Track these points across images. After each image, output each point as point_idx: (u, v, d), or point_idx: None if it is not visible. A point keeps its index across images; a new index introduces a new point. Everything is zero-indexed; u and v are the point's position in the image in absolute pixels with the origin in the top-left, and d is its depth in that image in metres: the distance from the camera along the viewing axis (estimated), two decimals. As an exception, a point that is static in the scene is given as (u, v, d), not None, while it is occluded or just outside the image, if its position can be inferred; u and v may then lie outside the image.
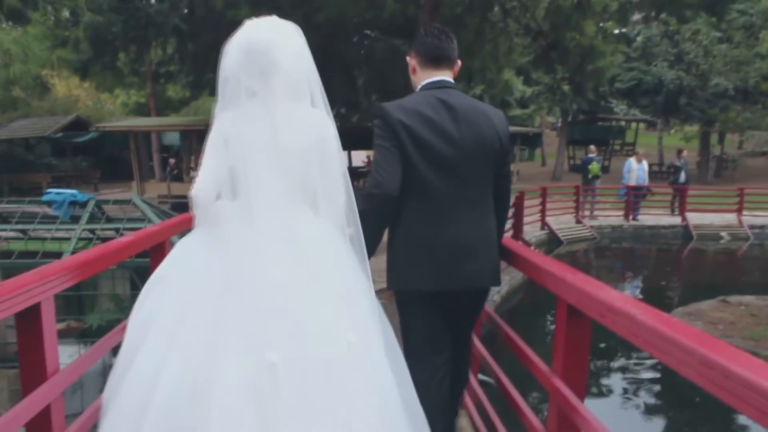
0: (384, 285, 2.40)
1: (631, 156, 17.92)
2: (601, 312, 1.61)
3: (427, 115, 2.27)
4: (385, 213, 2.29)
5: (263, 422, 1.71)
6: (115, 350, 3.56)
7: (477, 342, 3.16)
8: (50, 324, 1.97)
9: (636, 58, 27.92)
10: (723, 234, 15.53)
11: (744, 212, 15.86)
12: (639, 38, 28.35)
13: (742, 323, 7.82)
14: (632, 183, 15.70)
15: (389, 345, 2.04)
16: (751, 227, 15.49)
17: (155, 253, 3.17)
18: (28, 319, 1.91)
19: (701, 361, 1.16)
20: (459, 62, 2.48)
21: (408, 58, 2.50)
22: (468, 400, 3.23)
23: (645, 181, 15.94)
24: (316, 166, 2.07)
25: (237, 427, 1.70)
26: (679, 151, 17.28)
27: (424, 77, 2.42)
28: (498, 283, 2.46)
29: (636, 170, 15.78)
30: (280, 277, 1.92)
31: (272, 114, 2.05)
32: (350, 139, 11.95)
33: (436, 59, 2.39)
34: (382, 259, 2.43)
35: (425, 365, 2.31)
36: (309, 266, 1.96)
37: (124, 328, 2.23)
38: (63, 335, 2.19)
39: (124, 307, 5.60)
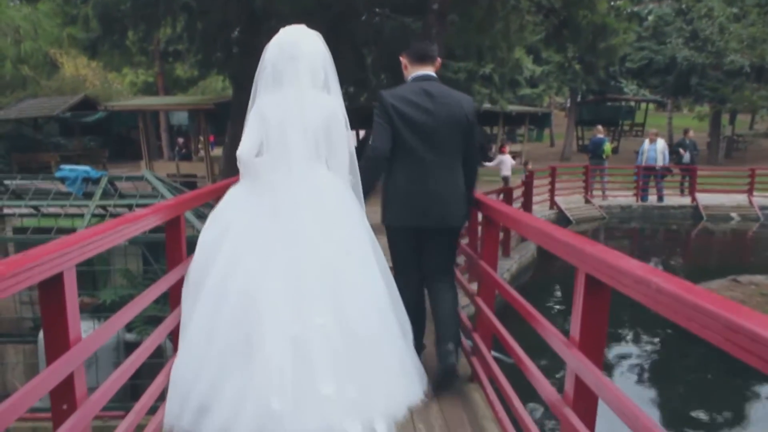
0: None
1: (645, 137, 17.76)
2: (622, 281, 1.61)
3: (412, 99, 3.17)
4: (378, 168, 3.24)
5: (295, 300, 2.66)
6: (129, 326, 3.80)
7: (491, 315, 3.18)
8: (72, 293, 2.00)
9: (647, 37, 27.59)
10: (733, 215, 15.45)
11: (755, 193, 15.75)
12: (650, 17, 27.99)
13: (753, 302, 7.82)
14: (656, 164, 15.59)
15: (379, 260, 2.96)
16: (762, 208, 15.40)
17: (171, 227, 3.19)
18: (51, 288, 1.92)
19: (726, 325, 1.17)
20: (439, 60, 3.39)
21: (401, 58, 3.39)
22: (481, 373, 3.26)
23: (657, 161, 15.65)
24: (328, 136, 2.95)
25: (276, 308, 2.63)
26: (686, 131, 17.12)
27: (413, 71, 3.32)
28: (464, 222, 3.41)
29: (647, 151, 15.66)
30: (305, 210, 2.82)
31: (297, 98, 2.91)
32: (358, 118, 11.71)
33: (421, 58, 3.31)
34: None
35: (405, 277, 3.29)
36: (323, 202, 2.87)
37: (141, 301, 2.61)
38: (77, 310, 2.29)
39: (136, 283, 5.63)
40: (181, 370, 2.71)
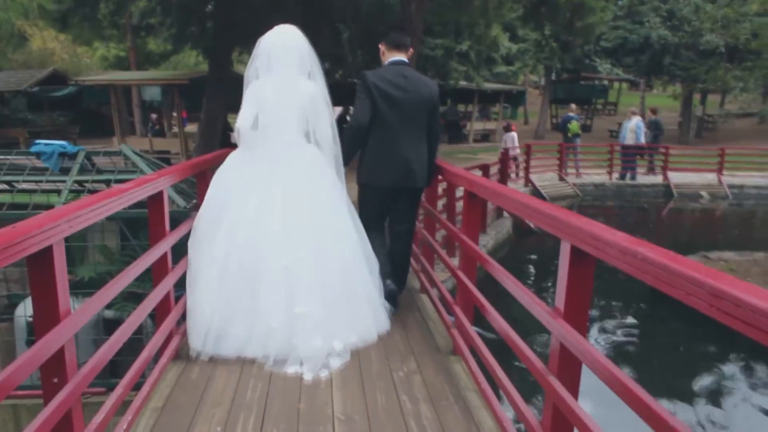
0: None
1: (618, 116, 18.06)
2: (607, 252, 1.66)
3: (391, 80, 3.81)
4: (360, 136, 3.85)
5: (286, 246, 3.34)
6: (108, 303, 3.92)
7: (472, 287, 3.23)
8: (62, 267, 1.99)
9: (622, 16, 27.72)
10: (703, 193, 15.77)
11: (724, 172, 16.09)
12: (626, -4, 28.10)
13: (722, 278, 8.00)
14: (624, 142, 15.89)
15: (352, 213, 3.70)
16: (731, 187, 15.75)
17: (153, 202, 3.16)
18: (41, 262, 1.91)
19: (711, 292, 1.22)
20: (412, 48, 4.09)
21: (380, 45, 4.04)
22: (463, 346, 3.31)
23: (626, 139, 15.92)
24: (312, 114, 3.66)
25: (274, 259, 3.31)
26: (653, 111, 17.48)
27: (389, 57, 3.97)
28: (428, 184, 4.18)
29: (623, 129, 15.94)
30: (291, 174, 3.51)
31: (287, 82, 3.62)
32: (334, 95, 11.59)
33: (397, 46, 3.96)
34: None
35: (374, 229, 3.92)
36: (306, 169, 3.57)
37: (126, 276, 2.60)
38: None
39: (114, 259, 5.55)
40: (199, 305, 3.31)
